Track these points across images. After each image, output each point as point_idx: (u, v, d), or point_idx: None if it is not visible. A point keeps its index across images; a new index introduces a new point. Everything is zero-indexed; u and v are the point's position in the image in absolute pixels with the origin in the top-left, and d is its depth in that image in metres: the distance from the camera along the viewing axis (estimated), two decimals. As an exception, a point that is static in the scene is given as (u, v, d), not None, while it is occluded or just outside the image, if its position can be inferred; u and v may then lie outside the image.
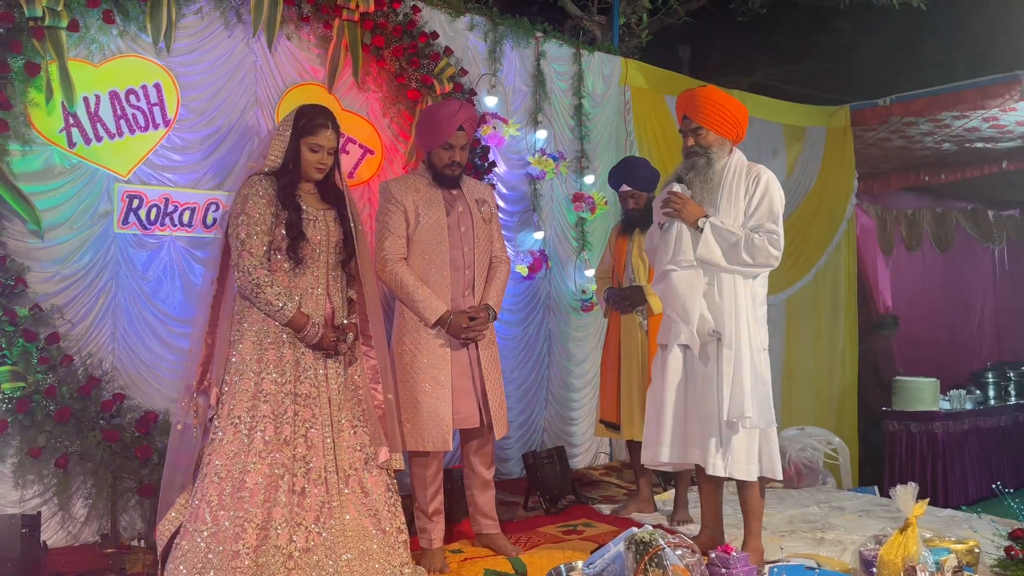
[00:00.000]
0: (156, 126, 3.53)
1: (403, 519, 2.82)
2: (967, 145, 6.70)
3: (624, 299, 3.88)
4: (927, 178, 7.49)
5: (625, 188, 3.94)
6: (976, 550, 2.90)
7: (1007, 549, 2.96)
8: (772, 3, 6.85)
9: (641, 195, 3.92)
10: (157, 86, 3.52)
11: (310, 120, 2.80)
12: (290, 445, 2.63)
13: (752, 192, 3.08)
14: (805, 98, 6.25)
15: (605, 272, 4.11)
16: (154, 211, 3.52)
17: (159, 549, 2.68)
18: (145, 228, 3.50)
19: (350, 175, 4.05)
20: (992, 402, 6.89)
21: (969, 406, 6.61)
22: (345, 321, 2.83)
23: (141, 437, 3.32)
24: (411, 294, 3.11)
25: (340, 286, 2.87)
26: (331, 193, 2.89)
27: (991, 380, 7.01)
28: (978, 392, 6.92)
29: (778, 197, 3.08)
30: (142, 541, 3.23)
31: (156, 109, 3.52)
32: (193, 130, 3.63)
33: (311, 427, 2.68)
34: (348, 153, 4.05)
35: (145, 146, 3.50)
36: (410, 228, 3.16)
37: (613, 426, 3.95)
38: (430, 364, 3.11)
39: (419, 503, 3.18)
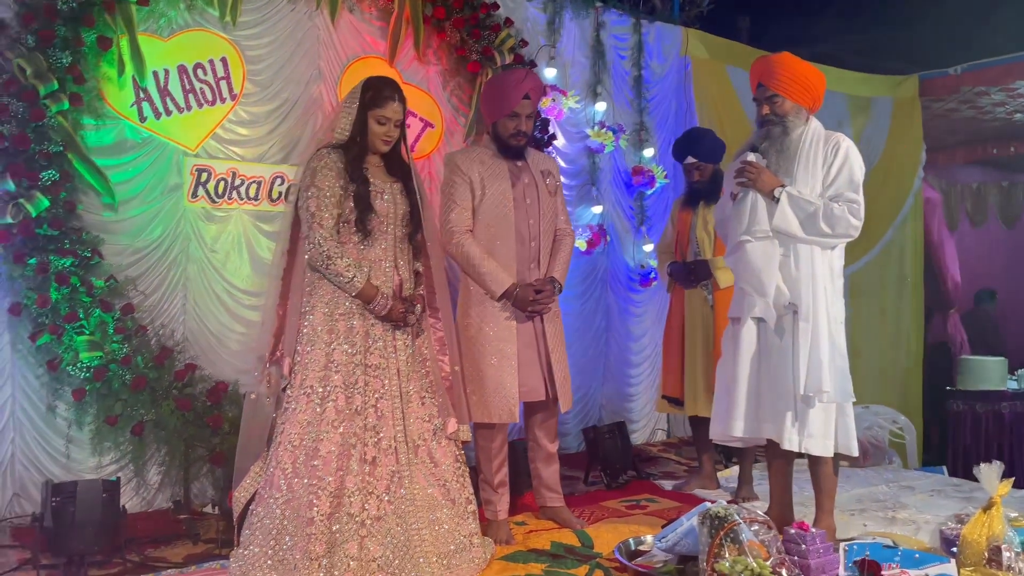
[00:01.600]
0: (223, 100, 3.56)
1: (471, 490, 2.82)
2: (1041, 116, 6.43)
3: (690, 273, 3.81)
4: (995, 151, 7.22)
5: (690, 160, 3.85)
6: (1062, 531, 2.79)
7: (1093, 531, 2.86)
8: (835, -30, 6.62)
9: (706, 167, 3.84)
10: (224, 60, 3.54)
11: (377, 92, 2.79)
12: (361, 415, 2.65)
13: (831, 161, 2.98)
14: (870, 68, 6.03)
15: (668, 246, 4.04)
16: (222, 184, 3.56)
17: (235, 515, 2.74)
18: (213, 201, 3.54)
19: (411, 148, 4.04)
20: (1062, 382, 6.65)
21: (1039, 386, 6.39)
22: (413, 293, 2.83)
23: (212, 406, 3.38)
24: (477, 266, 3.09)
25: (407, 258, 2.87)
26: (397, 166, 2.89)
27: (1061, 359, 6.77)
28: (1047, 372, 6.67)
29: (858, 166, 2.98)
30: (215, 508, 3.30)
31: (223, 83, 3.55)
32: (258, 104, 3.65)
33: (381, 397, 2.69)
34: (409, 127, 4.03)
35: (213, 120, 3.54)
36: (476, 200, 3.14)
37: (676, 402, 3.90)
38: (496, 336, 3.10)
39: (484, 475, 3.19)
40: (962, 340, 6.74)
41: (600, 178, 4.89)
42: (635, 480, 4.03)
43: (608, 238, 4.86)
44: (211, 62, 3.52)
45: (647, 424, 5.11)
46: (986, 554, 2.52)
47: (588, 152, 4.83)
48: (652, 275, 4.98)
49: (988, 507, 2.60)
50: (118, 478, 3.07)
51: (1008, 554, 2.49)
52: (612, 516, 3.41)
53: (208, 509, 3.32)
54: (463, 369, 3.05)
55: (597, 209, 4.82)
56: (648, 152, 5.05)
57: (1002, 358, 6.36)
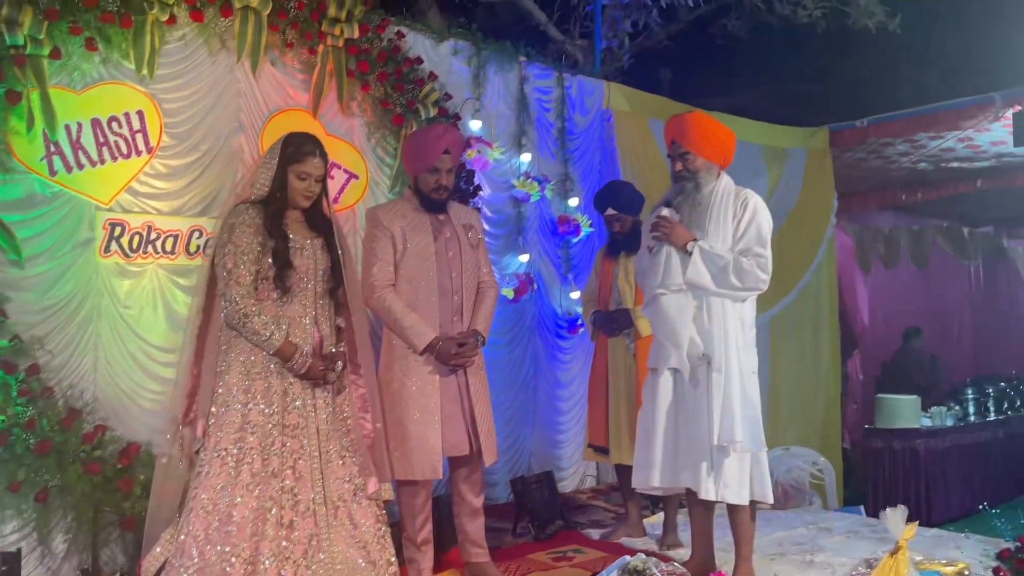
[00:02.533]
0: (139, 153, 3.49)
1: (392, 550, 2.78)
2: (942, 165, 6.81)
3: (612, 322, 3.88)
4: (904, 197, 7.60)
5: (610, 211, 3.96)
6: (966, 572, 2.91)
7: (995, 570, 2.99)
8: (750, 26, 6.95)
9: (627, 218, 3.94)
10: (140, 113, 3.48)
11: (297, 148, 2.80)
12: (278, 477, 2.59)
13: (740, 216, 3.10)
14: (784, 119, 6.33)
15: (591, 295, 4.11)
16: (136, 238, 3.47)
17: (144, 585, 2.63)
18: (127, 256, 3.45)
19: (335, 200, 4.02)
20: (972, 418, 6.96)
21: (950, 423, 6.67)
22: (333, 350, 2.81)
23: (123, 469, 3.25)
24: (399, 320, 3.09)
25: (328, 314, 2.84)
26: (318, 221, 2.88)
27: (971, 396, 7.08)
28: (958, 408, 6.98)
29: (766, 221, 3.11)
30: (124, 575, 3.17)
31: (139, 136, 3.48)
32: (176, 156, 3.59)
33: (299, 458, 2.64)
34: (333, 178, 4.02)
35: (127, 173, 3.46)
36: (397, 254, 3.15)
37: (602, 450, 3.94)
38: (419, 391, 3.09)
39: (408, 532, 3.15)
40: (862, 380, 7.00)
41: (526, 227, 4.96)
42: (563, 530, 4.02)
43: (535, 286, 4.92)
44: (126, 115, 3.46)
45: (577, 471, 5.13)
46: (894, 598, 2.59)
47: (514, 202, 4.89)
48: (579, 322, 5.04)
49: (895, 551, 2.69)
50: (19, 548, 2.92)
51: (915, 597, 2.58)
52: (538, 569, 3.40)
53: (117, 577, 3.18)
54: (385, 425, 3.02)
55: (524, 257, 4.88)
56: (573, 201, 5.15)
57: (915, 397, 6.63)
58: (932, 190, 7.36)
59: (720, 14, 6.93)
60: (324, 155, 2.84)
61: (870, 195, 7.56)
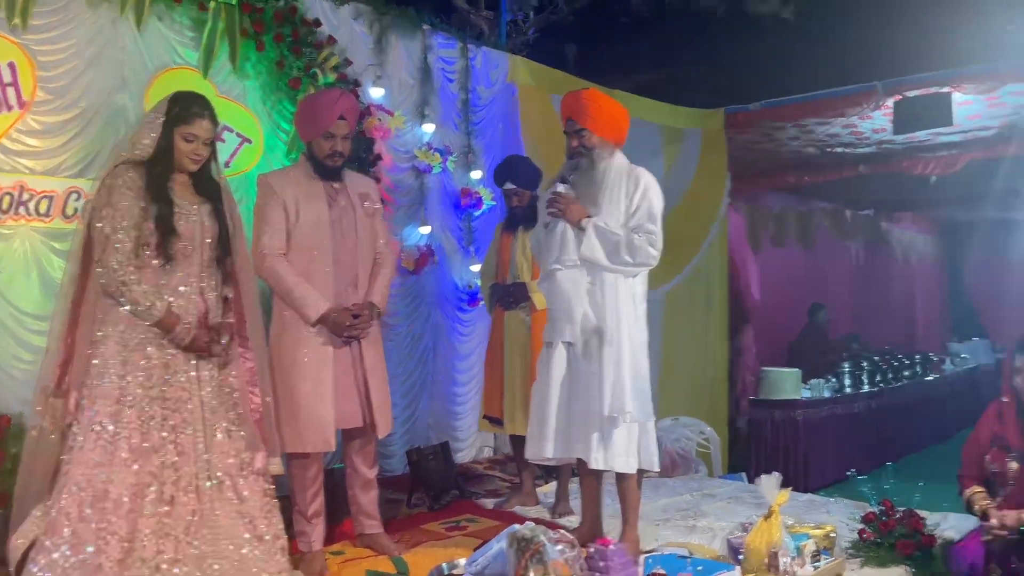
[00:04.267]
0: (10, 108, 3.26)
1: (281, 525, 2.74)
2: (828, 150, 7.15)
3: (508, 295, 3.92)
4: (792, 179, 7.94)
5: (509, 186, 3.98)
6: (832, 534, 3.11)
7: (860, 532, 3.20)
8: (654, 6, 7.07)
9: (524, 193, 3.97)
10: (11, 65, 3.25)
11: (185, 108, 2.68)
12: (158, 452, 2.51)
13: (632, 194, 3.16)
14: (684, 100, 6.49)
15: (489, 269, 4.14)
16: (7, 199, 3.26)
17: (12, 564, 2.50)
18: (-4, 218, 3.24)
19: (226, 165, 3.87)
20: (848, 390, 7.41)
21: (827, 394, 7.08)
22: (220, 321, 2.72)
23: (-8, 443, 3.08)
24: (291, 291, 3.02)
25: (215, 284, 2.75)
26: (206, 185, 2.78)
27: (847, 369, 7.54)
28: (835, 381, 7.41)
29: (657, 199, 3.19)
30: (-7, 555, 3.00)
31: (10, 90, 3.25)
32: (52, 113, 3.37)
33: (181, 432, 2.56)
34: (224, 142, 3.87)
35: (-3, 129, 3.24)
36: (290, 222, 3.07)
37: (497, 421, 4.00)
38: (311, 363, 3.04)
39: (298, 506, 3.11)
40: (757, 352, 7.34)
41: (428, 199, 4.91)
42: (458, 500, 4.07)
43: (436, 258, 4.89)
44: (-5, 66, 3.22)
45: (474, 442, 5.17)
46: (766, 560, 2.75)
47: (416, 173, 4.84)
48: (479, 295, 5.06)
49: (768, 516, 2.84)
50: None
51: (784, 559, 2.74)
52: (431, 539, 3.42)
53: (-15, 556, 3.01)
54: (276, 397, 2.97)
55: (425, 229, 4.84)
56: (476, 174, 5.14)
57: (796, 369, 7.00)
58: (818, 174, 7.71)
59: (625, -8, 7.04)
60: (214, 117, 2.74)
61: (761, 177, 7.87)
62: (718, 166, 6.50)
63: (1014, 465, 2.95)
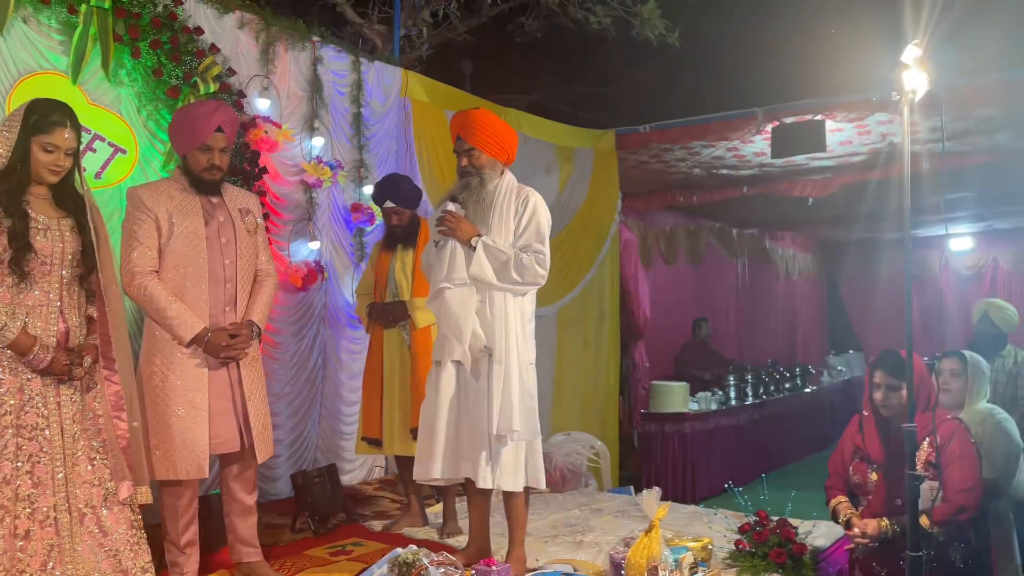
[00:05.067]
0: None
1: (148, 558, 2.59)
2: (714, 171, 7.43)
3: (387, 314, 3.89)
4: (682, 199, 8.21)
5: (389, 204, 3.97)
6: (709, 546, 3.20)
7: (736, 543, 3.31)
8: (548, 27, 7.20)
9: (404, 212, 3.97)
10: None
11: (43, 117, 2.52)
12: (11, 484, 2.33)
13: (521, 213, 3.19)
14: (576, 120, 6.62)
15: (367, 288, 4.11)
16: None
17: None
18: None
19: (97, 175, 3.69)
20: (733, 402, 7.69)
21: (714, 407, 7.33)
22: (83, 342, 2.56)
23: None
24: (162, 310, 2.88)
25: (77, 303, 2.59)
26: (69, 198, 2.62)
27: (732, 382, 7.83)
28: (721, 393, 7.68)
29: (545, 219, 3.22)
30: None
31: None
32: None
33: (37, 462, 2.39)
34: (96, 151, 3.68)
35: None
36: (162, 238, 2.93)
37: (376, 442, 3.94)
38: (184, 386, 2.90)
39: (170, 535, 2.96)
40: (647, 367, 7.53)
41: (319, 214, 4.80)
42: (345, 524, 3.97)
43: (326, 275, 4.79)
44: None
45: (364, 463, 5.06)
46: (646, 574, 2.80)
47: (305, 187, 4.72)
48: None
49: (649, 530, 2.90)
50: None
51: (664, 573, 2.80)
52: (314, 565, 3.32)
53: None
54: (146, 423, 2.82)
55: (315, 245, 4.73)
56: (368, 189, 5.06)
57: (684, 383, 7.21)
58: (706, 194, 8.01)
59: (519, 12, 7.11)
60: (77, 125, 2.58)
61: (652, 196, 8.10)
62: (610, 185, 6.65)
63: (874, 476, 3.11)
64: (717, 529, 3.58)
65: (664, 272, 8.94)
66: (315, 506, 3.88)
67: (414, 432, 3.72)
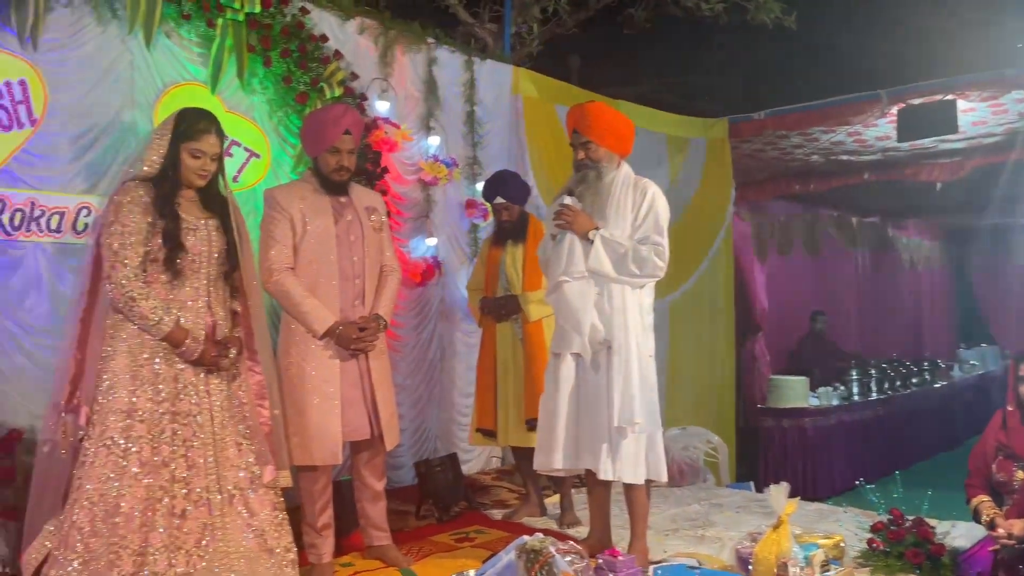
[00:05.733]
0: (21, 125, 3.30)
1: (291, 538, 2.75)
2: (833, 157, 7.16)
3: (500, 308, 3.96)
4: (798, 187, 7.95)
5: (499, 200, 4.03)
6: (841, 544, 3.10)
7: (869, 541, 3.19)
8: (657, 18, 7.11)
9: (514, 207, 4.02)
10: (22, 83, 3.29)
11: (191, 124, 2.71)
12: (168, 466, 2.53)
13: (639, 205, 3.18)
14: (687, 110, 6.51)
15: (478, 283, 4.19)
16: (18, 216, 3.29)
17: (25, 579, 2.52)
18: (8, 234, 3.26)
19: (234, 179, 3.92)
20: (856, 397, 7.39)
21: (836, 402, 7.07)
22: (228, 335, 2.74)
23: (3, 457, 3.09)
24: (298, 305, 3.04)
25: (223, 298, 2.77)
26: (214, 201, 2.80)
27: (855, 377, 7.52)
28: (843, 388, 7.40)
29: (664, 210, 3.20)
30: (6, 568, 3.02)
31: (21, 107, 3.29)
32: (63, 130, 3.41)
33: (191, 447, 2.58)
34: (232, 156, 3.91)
35: (8, 146, 3.27)
36: (296, 237, 3.09)
37: (490, 433, 4.01)
38: (319, 376, 3.06)
39: (307, 518, 3.12)
40: (768, 361, 7.34)
41: (434, 211, 4.94)
42: (466, 512, 4.07)
43: (442, 270, 4.92)
44: (7, 84, 3.26)
45: (481, 453, 5.17)
46: (776, 570, 2.75)
47: (422, 185, 4.86)
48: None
49: (777, 526, 2.84)
50: None
51: (794, 569, 2.73)
52: (440, 551, 3.43)
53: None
54: (284, 410, 2.99)
55: (431, 241, 4.86)
56: (481, 186, 5.15)
57: (804, 377, 6.99)
58: (824, 181, 7.72)
59: (628, 4, 7.06)
60: (221, 132, 2.76)
61: (767, 185, 7.88)
62: (723, 175, 6.51)
63: (1020, 474, 2.94)
64: (847, 527, 3.46)
65: (779, 263, 8.68)
66: (438, 494, 4.00)
67: (529, 423, 3.78)
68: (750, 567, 2.86)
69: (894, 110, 5.77)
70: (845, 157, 7.13)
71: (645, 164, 5.86)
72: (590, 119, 3.23)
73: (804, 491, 6.25)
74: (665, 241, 3.17)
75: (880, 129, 6.25)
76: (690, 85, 7.66)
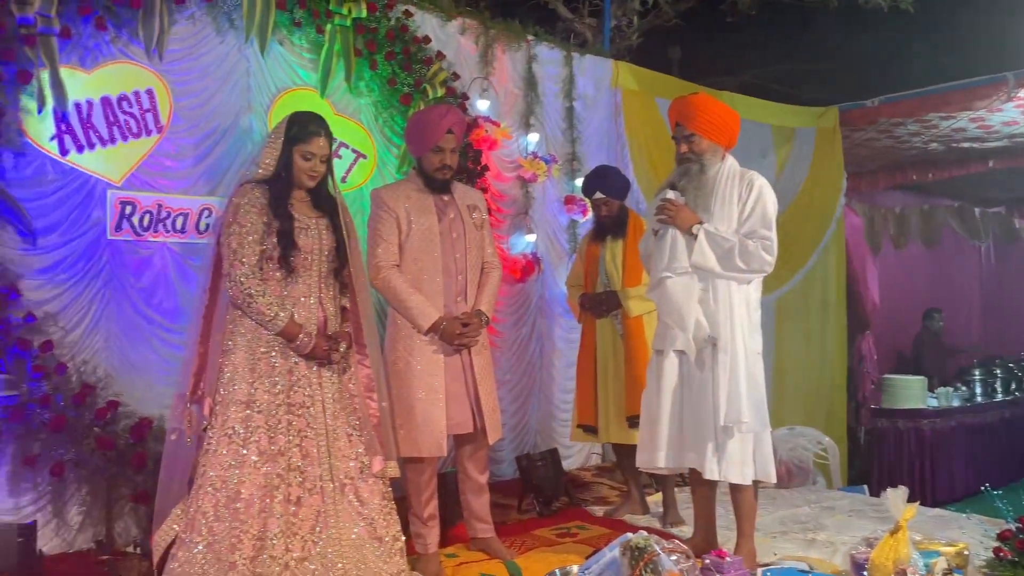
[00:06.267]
0: (149, 132, 3.52)
1: (399, 527, 2.83)
2: (954, 145, 6.76)
3: (600, 304, 3.93)
4: (914, 177, 7.56)
5: (598, 196, 4.00)
6: (965, 552, 2.94)
7: (996, 550, 3.01)
8: (761, 3, 6.90)
9: (613, 202, 3.98)
10: (150, 92, 3.51)
11: (302, 128, 2.81)
12: (284, 455, 2.64)
13: (745, 198, 3.10)
14: (793, 98, 6.30)
15: (577, 279, 4.16)
16: (147, 217, 3.52)
17: (155, 558, 2.69)
18: (138, 234, 3.50)
19: (342, 180, 4.05)
20: (979, 399, 6.97)
21: (956, 403, 6.69)
22: (338, 330, 2.84)
23: (136, 444, 3.32)
24: (404, 301, 3.12)
25: (333, 294, 2.87)
26: (324, 200, 2.90)
27: (978, 377, 7.10)
28: (965, 389, 6.99)
29: (771, 203, 3.11)
30: (137, 548, 3.23)
31: (148, 115, 3.51)
32: (186, 136, 3.62)
33: (305, 436, 2.69)
34: (340, 157, 4.05)
35: (138, 152, 3.50)
36: (402, 235, 3.17)
37: (591, 430, 3.99)
38: (424, 370, 3.13)
39: (414, 508, 3.20)
40: (875, 360, 7.01)
41: (533, 207, 4.97)
42: (567, 507, 4.08)
43: (542, 266, 4.94)
44: (136, 94, 3.49)
45: (582, 449, 5.17)
46: (892, 577, 2.63)
47: (521, 182, 4.90)
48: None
49: (895, 531, 2.71)
50: (34, 521, 2.99)
51: (912, 577, 2.61)
52: (542, 545, 3.45)
53: (131, 550, 3.24)
54: (392, 403, 3.07)
55: (531, 238, 4.89)
56: (580, 182, 5.14)
57: (922, 377, 6.64)
58: (943, 170, 7.31)
59: (731, -9, 6.91)
60: (330, 135, 2.86)
61: (880, 175, 7.52)
62: (833, 165, 6.26)
63: None
64: (970, 535, 3.27)
65: (893, 257, 8.26)
66: (539, 488, 4.02)
67: (630, 420, 3.75)
68: (865, 573, 2.75)
69: (1022, 93, 5.40)
70: (967, 144, 6.72)
71: (750, 156, 5.71)
72: (694, 111, 3.17)
73: (921, 496, 5.95)
74: (774, 235, 3.08)
75: (1006, 114, 5.86)
76: (796, 72, 7.39)
